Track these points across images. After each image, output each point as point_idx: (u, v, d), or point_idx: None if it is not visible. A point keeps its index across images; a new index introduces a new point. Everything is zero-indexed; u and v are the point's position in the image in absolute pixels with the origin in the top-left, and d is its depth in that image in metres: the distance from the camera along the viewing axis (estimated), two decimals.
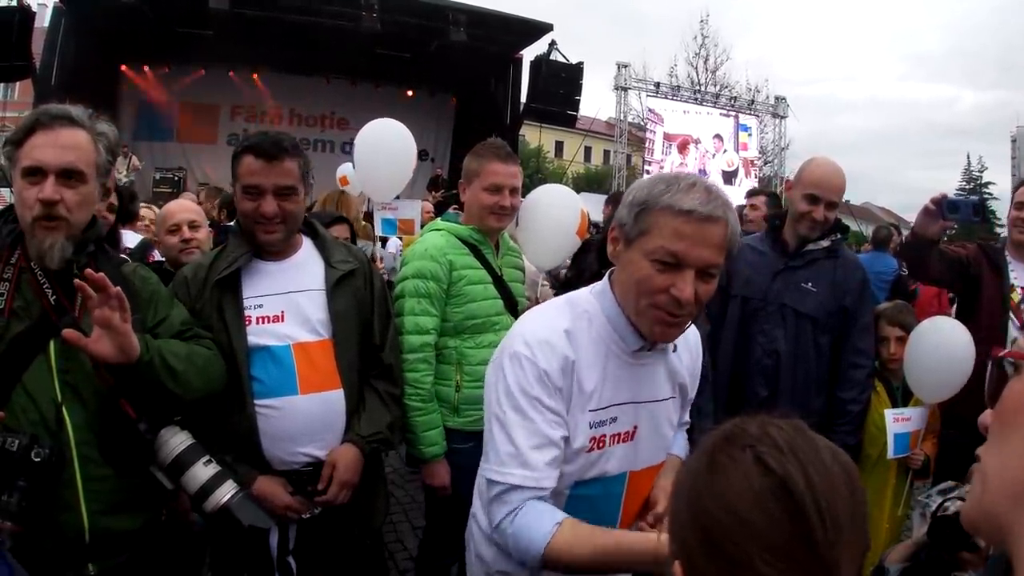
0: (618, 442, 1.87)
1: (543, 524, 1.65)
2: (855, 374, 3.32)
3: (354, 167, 4.64)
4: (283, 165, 2.44)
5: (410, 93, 15.14)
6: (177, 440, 2.15)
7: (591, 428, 1.81)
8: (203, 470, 2.15)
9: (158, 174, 13.93)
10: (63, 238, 1.95)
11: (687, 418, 2.18)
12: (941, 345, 3.25)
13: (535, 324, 1.84)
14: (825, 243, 3.32)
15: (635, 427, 1.90)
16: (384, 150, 4.40)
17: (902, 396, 3.57)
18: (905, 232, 8.91)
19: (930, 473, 3.44)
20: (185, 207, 3.88)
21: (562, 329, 1.77)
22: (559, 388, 1.74)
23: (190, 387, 2.18)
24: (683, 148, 19.93)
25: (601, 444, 1.84)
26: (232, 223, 5.27)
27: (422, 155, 15.52)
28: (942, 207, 3.11)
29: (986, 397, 0.88)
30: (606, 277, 1.87)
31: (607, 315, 1.81)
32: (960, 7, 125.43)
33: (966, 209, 3.07)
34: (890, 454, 3.30)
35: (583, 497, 1.86)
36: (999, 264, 3.57)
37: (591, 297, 1.86)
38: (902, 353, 3.44)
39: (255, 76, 15.11)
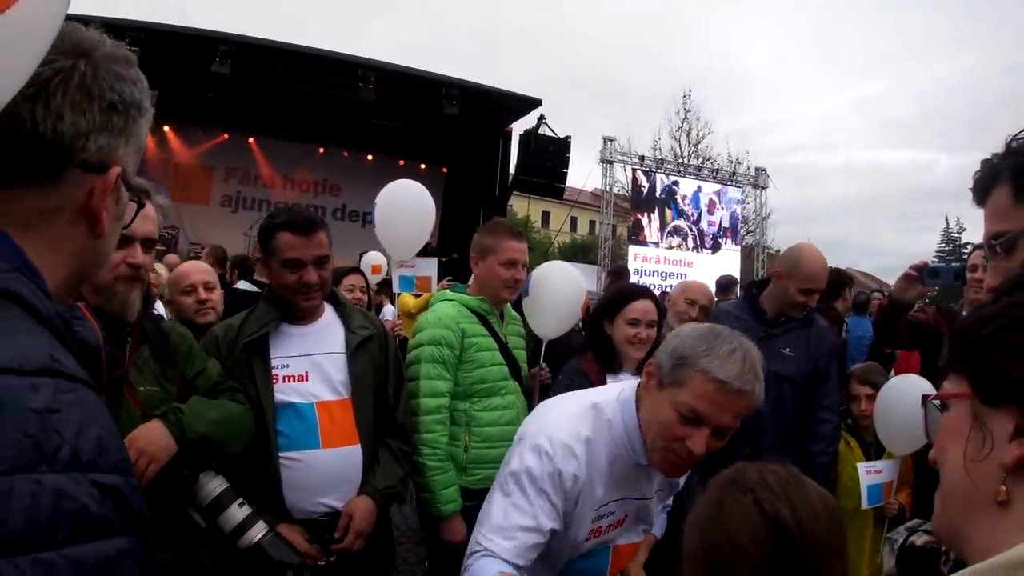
0: (611, 529, 2.14)
1: (491, 569, 1.83)
2: (823, 429, 3.69)
3: (375, 226, 4.78)
4: (318, 237, 2.70)
5: (401, 163, 15.40)
6: (215, 484, 2.39)
7: (592, 522, 2.06)
8: (238, 511, 2.39)
9: None
10: (140, 295, 2.20)
11: (669, 501, 2.46)
12: (906, 399, 3.45)
13: (560, 423, 2.01)
14: (797, 313, 3.74)
15: (625, 516, 2.16)
16: (404, 209, 4.58)
17: (875, 450, 3.84)
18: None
19: (905, 521, 3.64)
20: (200, 268, 3.99)
21: (584, 437, 1.97)
22: (565, 490, 1.94)
23: (228, 448, 2.44)
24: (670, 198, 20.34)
25: (598, 533, 2.11)
26: (241, 283, 5.48)
27: None
28: (923, 273, 3.30)
29: (925, 434, 1.04)
30: (632, 390, 2.05)
31: (626, 427, 2.00)
32: (930, 74, 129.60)
33: (947, 275, 3.23)
34: (864, 504, 3.53)
35: (575, 570, 2.13)
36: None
37: (616, 406, 2.03)
38: (871, 410, 3.71)
39: (251, 140, 15.37)
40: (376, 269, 7.43)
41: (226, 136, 15.05)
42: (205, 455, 2.37)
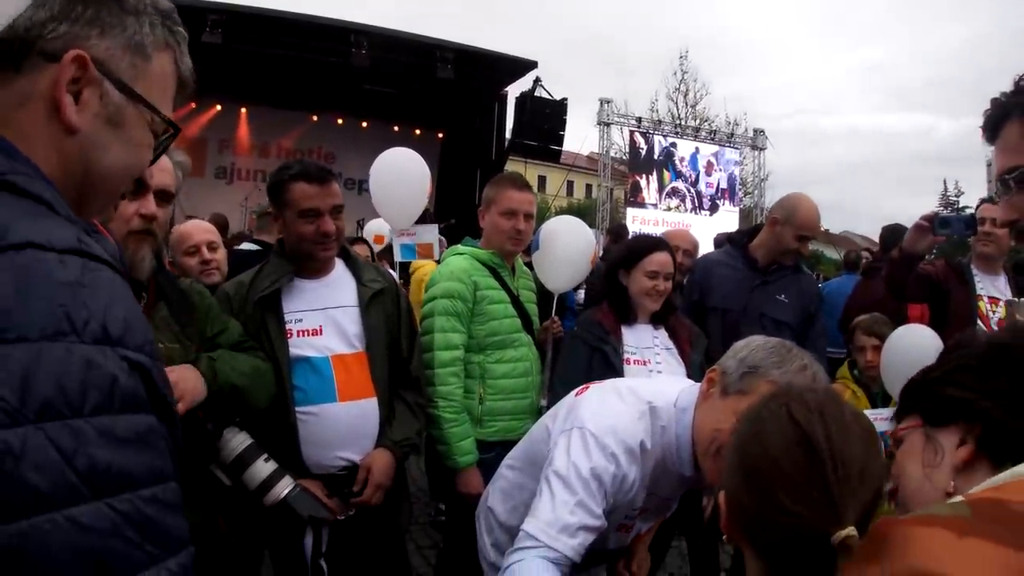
0: (636, 520, 2.19)
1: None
2: None
3: (372, 198, 4.78)
4: (332, 186, 2.68)
5: (396, 128, 15.29)
6: (239, 440, 2.35)
7: (624, 519, 2.10)
8: (264, 466, 2.36)
9: None
10: (151, 251, 2.13)
11: None
12: (913, 348, 3.47)
13: (624, 424, 1.98)
14: (789, 262, 3.86)
15: (647, 508, 2.17)
16: (399, 178, 4.57)
17: (881, 400, 3.87)
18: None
19: None
20: (203, 227, 3.91)
21: (639, 440, 1.96)
22: (623, 492, 1.95)
23: (256, 400, 2.40)
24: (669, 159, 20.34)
25: (628, 530, 2.17)
26: (244, 244, 5.44)
27: None
28: (934, 224, 3.29)
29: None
30: (690, 398, 2.01)
31: (679, 436, 1.98)
32: (933, 39, 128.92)
33: (958, 224, 3.24)
34: None
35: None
36: (966, 277, 3.93)
37: (672, 412, 2.01)
38: (878, 360, 3.70)
39: (244, 110, 15.21)
40: (379, 239, 7.38)
41: (219, 107, 14.85)
42: (232, 407, 2.33)
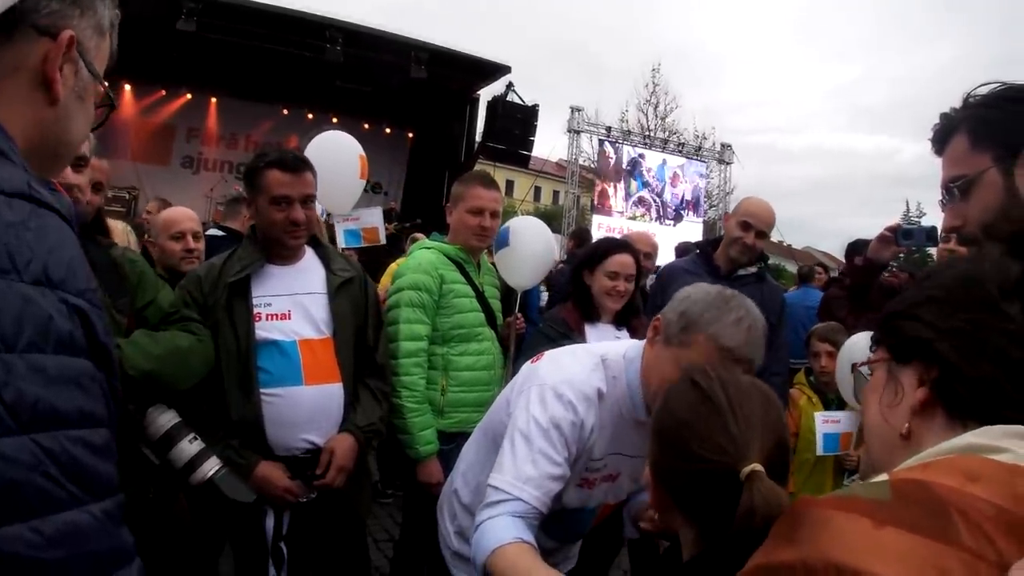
0: (603, 483, 2.22)
1: (506, 534, 1.80)
2: (773, 381, 3.78)
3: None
4: (306, 176, 2.72)
5: (367, 126, 15.19)
6: (165, 418, 2.33)
7: (585, 471, 2.13)
8: (189, 446, 2.32)
9: (110, 192, 13.66)
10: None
11: None
12: (866, 355, 3.61)
13: (579, 375, 2.07)
14: (753, 269, 3.90)
15: (619, 473, 2.24)
16: (333, 162, 4.38)
17: (836, 406, 3.99)
18: (833, 273, 9.58)
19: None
20: (190, 216, 3.95)
21: (596, 388, 2.04)
22: (582, 440, 2.02)
23: (175, 382, 2.35)
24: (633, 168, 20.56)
25: (591, 485, 2.19)
26: (211, 229, 5.42)
27: (375, 188, 15.56)
28: (897, 234, 3.40)
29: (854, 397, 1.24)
30: (638, 349, 2.12)
31: (629, 383, 2.08)
32: (904, 63, 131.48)
33: (919, 235, 3.32)
34: (818, 451, 3.70)
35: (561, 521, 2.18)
36: None
37: (621, 362, 2.11)
38: (833, 367, 3.83)
39: (214, 100, 15.04)
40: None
41: (189, 96, 14.67)
42: (150, 391, 2.30)
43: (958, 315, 0.99)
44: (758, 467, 1.22)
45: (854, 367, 1.30)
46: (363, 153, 4.58)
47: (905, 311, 1.07)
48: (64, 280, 0.81)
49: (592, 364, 2.10)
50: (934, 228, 3.44)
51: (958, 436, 0.93)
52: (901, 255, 3.68)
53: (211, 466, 2.33)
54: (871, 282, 3.78)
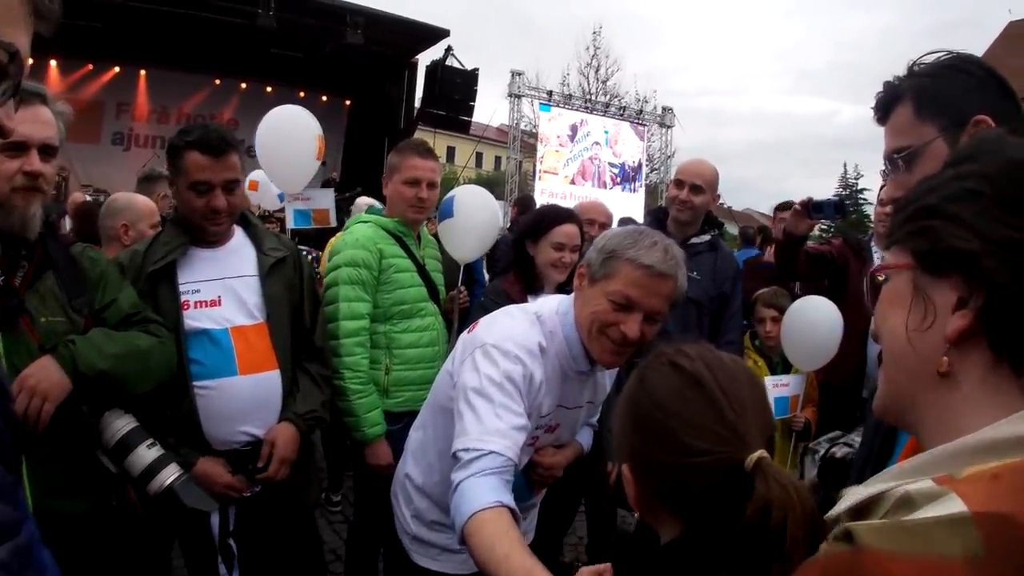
0: (545, 434, 2.25)
1: (486, 497, 1.72)
2: (728, 350, 3.78)
3: (259, 161, 4.41)
4: (229, 159, 2.54)
5: (302, 94, 14.77)
6: (121, 423, 2.17)
7: (535, 429, 2.13)
8: (147, 452, 2.17)
9: None
10: (40, 208, 1.99)
11: (595, 420, 2.58)
12: (811, 318, 3.77)
13: (517, 331, 2.07)
14: (706, 237, 3.85)
15: (559, 424, 2.26)
16: (289, 139, 4.28)
17: (781, 369, 4.08)
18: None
19: (811, 436, 3.87)
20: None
21: (537, 342, 2.05)
22: (532, 393, 2.01)
23: (133, 384, 2.20)
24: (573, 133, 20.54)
25: (535, 442, 2.22)
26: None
27: None
28: (808, 208, 3.52)
29: (868, 304, 1.08)
30: (569, 303, 2.13)
31: (566, 335, 2.10)
32: (845, 26, 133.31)
33: (828, 209, 3.49)
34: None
35: None
36: (864, 253, 4.17)
37: (555, 318, 2.13)
38: (777, 331, 3.97)
39: (143, 73, 14.42)
40: (252, 185, 7.08)
41: (117, 69, 14.01)
42: (105, 392, 2.15)
43: (1015, 220, 0.77)
44: (764, 454, 1.10)
45: (872, 273, 0.99)
46: (321, 134, 4.41)
47: (939, 207, 0.83)
48: None
49: (528, 321, 2.12)
50: (841, 202, 3.61)
51: (1018, 414, 0.75)
52: (830, 224, 3.78)
53: (170, 473, 2.18)
54: (794, 255, 3.82)
